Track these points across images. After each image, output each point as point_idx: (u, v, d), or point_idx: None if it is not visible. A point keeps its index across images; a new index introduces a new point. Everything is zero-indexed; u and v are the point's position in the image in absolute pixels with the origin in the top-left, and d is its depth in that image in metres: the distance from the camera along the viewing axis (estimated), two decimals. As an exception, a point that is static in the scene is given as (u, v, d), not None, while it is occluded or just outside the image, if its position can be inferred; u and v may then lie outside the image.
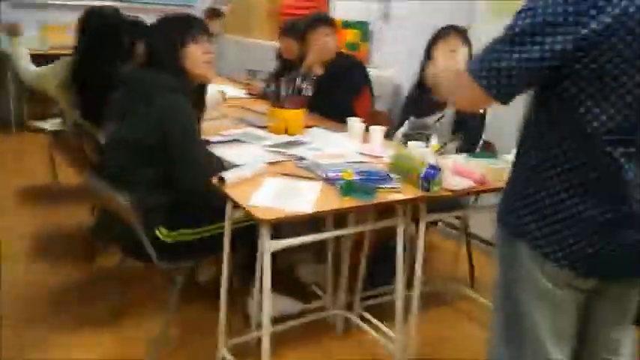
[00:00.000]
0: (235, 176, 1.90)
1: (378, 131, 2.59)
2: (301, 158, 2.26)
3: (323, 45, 3.00)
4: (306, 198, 1.81)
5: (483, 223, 2.95)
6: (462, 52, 2.65)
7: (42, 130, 3.92)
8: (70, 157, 3.42)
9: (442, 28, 2.76)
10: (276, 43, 5.17)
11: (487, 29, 3.02)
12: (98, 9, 3.11)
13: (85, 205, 3.57)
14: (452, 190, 1.99)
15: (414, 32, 4.33)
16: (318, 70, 3.01)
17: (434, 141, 2.37)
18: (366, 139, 2.63)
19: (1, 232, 3.24)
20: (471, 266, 2.84)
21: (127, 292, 2.64)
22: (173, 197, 2.04)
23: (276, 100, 2.67)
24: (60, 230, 3.40)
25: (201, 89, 2.20)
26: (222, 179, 1.87)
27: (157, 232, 2.03)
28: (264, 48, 5.58)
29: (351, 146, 2.50)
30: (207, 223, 2.10)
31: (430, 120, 2.71)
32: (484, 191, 2.10)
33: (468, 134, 2.67)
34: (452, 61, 2.63)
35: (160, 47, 2.03)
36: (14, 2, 5.61)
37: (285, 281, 2.49)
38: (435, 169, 1.94)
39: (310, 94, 2.66)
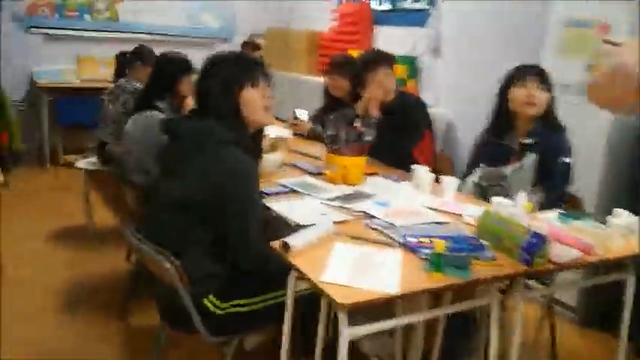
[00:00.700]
0: (301, 243, 1.62)
1: (451, 183, 2.30)
2: (370, 216, 1.97)
3: (384, 86, 2.74)
4: (387, 273, 1.51)
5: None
6: (542, 98, 2.36)
7: (78, 168, 3.71)
8: (108, 199, 3.22)
9: (517, 68, 2.47)
10: (316, 78, 4.97)
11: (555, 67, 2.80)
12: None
13: (121, 250, 3.35)
14: (556, 263, 1.67)
15: (463, 68, 4.10)
16: (375, 112, 2.74)
17: (521, 197, 2.05)
18: (434, 190, 2.34)
19: (31, 281, 3.02)
20: (553, 337, 2.48)
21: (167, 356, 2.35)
22: (227, 265, 1.77)
23: (334, 145, 2.40)
24: (93, 280, 3.15)
25: (256, 135, 1.94)
26: (286, 245, 1.59)
27: (207, 303, 1.75)
28: (303, 83, 5.39)
29: (421, 200, 2.20)
30: (263, 292, 1.81)
31: (507, 169, 2.40)
32: (592, 263, 1.78)
33: (552, 186, 2.35)
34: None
35: (214, 91, 1.78)
36: (50, 35, 5.51)
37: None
38: (540, 238, 1.63)
39: (370, 138, 2.39)
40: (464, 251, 1.64)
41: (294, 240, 1.60)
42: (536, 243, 1.62)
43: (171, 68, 2.97)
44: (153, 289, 1.95)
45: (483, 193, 2.47)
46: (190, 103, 3.03)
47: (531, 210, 1.97)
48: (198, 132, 1.74)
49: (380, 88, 2.72)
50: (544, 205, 2.37)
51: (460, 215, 2.05)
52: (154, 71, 3.02)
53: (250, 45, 5.98)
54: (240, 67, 1.81)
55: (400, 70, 4.34)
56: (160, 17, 5.75)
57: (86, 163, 3.78)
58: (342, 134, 2.37)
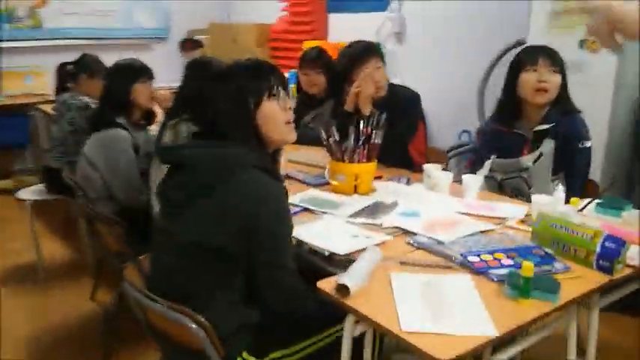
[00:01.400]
0: (359, 281, 1.35)
1: (473, 181, 2.10)
2: (407, 232, 1.73)
3: (377, 80, 2.49)
4: (471, 308, 1.27)
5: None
6: (555, 82, 2.18)
7: (22, 200, 3.24)
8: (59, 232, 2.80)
9: (525, 51, 2.28)
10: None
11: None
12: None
13: (81, 289, 2.94)
14: (633, 266, 1.50)
15: (430, 52, 3.93)
16: (367, 109, 2.49)
17: (560, 192, 1.87)
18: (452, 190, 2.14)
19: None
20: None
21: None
22: (259, 313, 1.48)
23: (339, 151, 2.13)
24: (60, 329, 2.74)
25: (275, 155, 1.64)
26: (343, 288, 1.32)
27: (240, 361, 1.46)
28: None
29: (449, 205, 1.98)
30: (304, 338, 1.54)
31: (526, 159, 2.22)
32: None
33: (576, 174, 2.20)
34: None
35: (225, 108, 1.47)
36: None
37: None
38: (617, 241, 1.45)
39: (379, 140, 2.15)
40: (537, 266, 1.44)
41: (349, 279, 1.33)
42: (615, 248, 1.44)
43: (127, 77, 2.60)
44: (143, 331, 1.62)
45: (498, 187, 2.30)
46: (159, 117, 2.67)
47: (582, 207, 1.79)
48: (213, 159, 1.42)
49: (371, 82, 2.47)
50: (567, 196, 2.22)
51: (500, 218, 1.85)
52: (108, 83, 2.64)
53: (190, 43, 5.57)
54: (253, 76, 1.50)
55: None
56: (89, 20, 5.21)
57: (30, 192, 3.32)
58: (350, 138, 2.11)
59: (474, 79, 3.54)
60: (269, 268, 1.41)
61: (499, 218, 1.85)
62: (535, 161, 2.20)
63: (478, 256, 1.51)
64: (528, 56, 2.23)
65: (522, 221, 1.82)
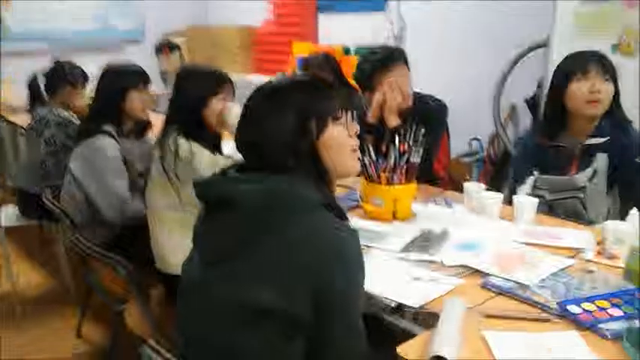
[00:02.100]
0: (455, 347, 1.10)
1: (530, 203, 1.87)
2: (477, 272, 1.48)
3: (404, 89, 2.23)
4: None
5: None
6: (608, 92, 1.97)
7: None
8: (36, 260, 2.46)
9: (574, 57, 2.06)
10: (254, 77, 4.38)
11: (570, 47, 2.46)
12: None
13: (65, 324, 2.61)
14: None
15: (433, 54, 3.71)
16: (394, 121, 2.24)
17: (634, 215, 1.65)
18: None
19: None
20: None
21: None
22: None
23: (374, 171, 1.87)
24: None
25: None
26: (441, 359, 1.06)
27: None
28: (241, 84, 4.71)
29: (509, 234, 1.75)
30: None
31: (581, 177, 2.01)
32: None
33: (633, 193, 1.99)
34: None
35: (281, 135, 1.18)
36: None
37: None
38: None
39: (418, 159, 1.90)
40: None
41: (449, 350, 1.07)
42: None
43: (120, 82, 2.30)
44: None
45: (547, 209, 2.07)
46: (155, 130, 2.36)
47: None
48: (270, 197, 1.13)
49: (398, 91, 2.21)
50: (619, 215, 2.02)
51: (573, 249, 1.62)
52: (98, 89, 2.33)
53: (167, 46, 5.21)
54: (315, 94, 1.21)
55: (360, 62, 3.85)
56: (58, 22, 4.80)
57: (2, 216, 2.95)
58: (390, 157, 1.85)
59: (483, 84, 3.34)
60: (342, 341, 1.13)
61: (571, 249, 1.62)
62: (590, 179, 1.99)
63: (579, 305, 1.27)
64: (578, 63, 2.01)
65: (599, 252, 1.59)
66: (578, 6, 2.57)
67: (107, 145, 2.23)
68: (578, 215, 1.99)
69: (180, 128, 1.98)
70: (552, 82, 2.10)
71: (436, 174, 2.48)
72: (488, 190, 2.00)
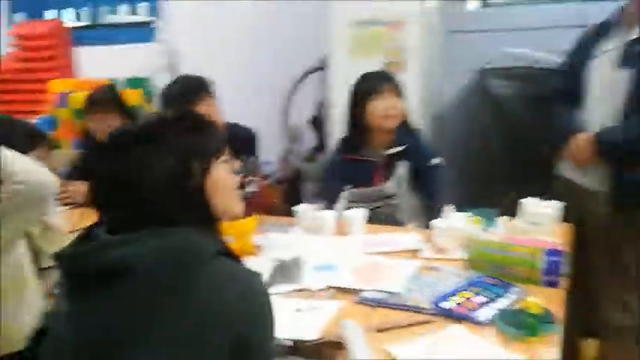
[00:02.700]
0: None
1: (360, 216, 2.00)
2: (347, 290, 1.53)
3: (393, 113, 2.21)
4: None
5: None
6: (401, 108, 2.24)
7: None
8: None
9: (368, 79, 2.27)
10: None
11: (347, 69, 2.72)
12: None
13: None
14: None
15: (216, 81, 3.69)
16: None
17: (461, 215, 1.89)
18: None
19: None
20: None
21: None
22: None
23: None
24: None
25: None
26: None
27: None
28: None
29: (350, 247, 1.85)
30: None
31: (390, 185, 2.22)
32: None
33: (435, 191, 2.28)
34: None
35: (165, 181, 1.04)
36: None
37: None
38: (557, 253, 1.52)
39: (255, 188, 1.87)
40: (501, 296, 1.41)
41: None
42: (558, 260, 1.51)
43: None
44: None
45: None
46: None
47: (484, 224, 1.85)
48: (165, 257, 0.99)
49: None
50: (427, 213, 2.30)
51: (411, 251, 1.79)
52: None
53: None
54: (195, 133, 1.09)
55: (133, 95, 3.64)
56: None
57: None
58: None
59: (266, 106, 3.44)
60: None
61: (410, 250, 1.79)
62: (398, 186, 2.22)
63: (448, 300, 1.41)
64: (373, 84, 2.23)
65: (435, 250, 1.78)
66: (350, 30, 2.85)
67: None
68: (394, 220, 2.20)
69: None
70: (351, 102, 2.28)
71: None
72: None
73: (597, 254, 2.13)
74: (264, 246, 1.90)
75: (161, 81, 3.79)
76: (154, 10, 3.71)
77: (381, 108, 2.19)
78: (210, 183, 1.09)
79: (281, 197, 3.27)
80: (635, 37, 1.96)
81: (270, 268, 1.69)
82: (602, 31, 2.09)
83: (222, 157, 1.13)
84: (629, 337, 2.17)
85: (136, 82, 3.72)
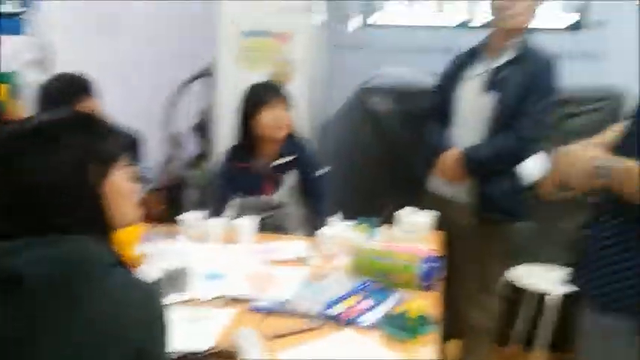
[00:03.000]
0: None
1: (250, 224, 2.02)
2: (239, 299, 1.54)
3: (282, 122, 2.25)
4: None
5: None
6: (290, 118, 2.30)
7: None
8: None
9: (257, 90, 2.30)
10: None
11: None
12: None
13: None
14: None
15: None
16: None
17: (348, 224, 1.97)
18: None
19: None
20: None
21: None
22: None
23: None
24: None
25: None
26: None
27: None
28: None
29: (239, 255, 1.86)
30: None
31: (278, 195, 2.26)
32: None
33: (322, 200, 2.36)
34: None
35: (59, 185, 0.98)
36: None
37: None
38: (434, 260, 1.65)
39: (142, 194, 1.80)
40: (383, 300, 1.52)
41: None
42: (434, 266, 1.64)
43: None
44: None
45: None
46: None
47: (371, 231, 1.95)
48: (59, 266, 0.93)
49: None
50: (314, 222, 2.37)
51: (299, 259, 1.84)
52: None
53: None
54: (92, 135, 1.04)
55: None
56: None
57: None
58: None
59: (147, 111, 3.33)
60: None
61: (299, 259, 1.85)
62: (287, 195, 2.27)
63: (335, 306, 1.48)
64: (263, 95, 2.26)
65: (323, 257, 1.85)
66: (239, 39, 2.85)
67: None
68: (282, 229, 2.25)
69: None
70: (241, 112, 2.30)
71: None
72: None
73: (461, 261, 2.33)
74: (150, 255, 1.85)
75: (31, 77, 3.53)
76: (24, 1, 3.43)
77: (270, 119, 2.23)
78: (108, 189, 1.05)
79: (163, 205, 3.18)
80: (498, 64, 2.19)
81: (156, 277, 1.66)
82: (470, 57, 2.31)
83: (121, 162, 1.10)
84: (487, 337, 2.41)
85: (1, 77, 3.42)
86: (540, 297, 2.51)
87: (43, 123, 1.04)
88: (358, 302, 1.50)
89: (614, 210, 1.22)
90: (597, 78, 2.71)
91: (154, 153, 3.34)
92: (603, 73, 2.75)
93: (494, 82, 2.18)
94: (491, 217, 2.24)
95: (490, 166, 2.20)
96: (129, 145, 2.28)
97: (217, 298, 1.55)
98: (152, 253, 1.85)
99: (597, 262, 1.25)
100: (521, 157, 2.15)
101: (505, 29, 2.17)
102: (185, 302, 1.53)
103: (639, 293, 1.18)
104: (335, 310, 1.46)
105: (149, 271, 1.69)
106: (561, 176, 1.28)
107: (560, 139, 2.26)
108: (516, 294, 2.60)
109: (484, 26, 2.31)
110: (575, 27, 2.94)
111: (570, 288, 2.42)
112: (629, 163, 1.16)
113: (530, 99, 2.13)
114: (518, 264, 2.64)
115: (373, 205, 2.26)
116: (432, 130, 2.36)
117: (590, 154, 1.24)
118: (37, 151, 0.99)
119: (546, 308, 2.46)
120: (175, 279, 1.65)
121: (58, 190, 0.98)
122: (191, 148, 3.56)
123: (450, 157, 2.24)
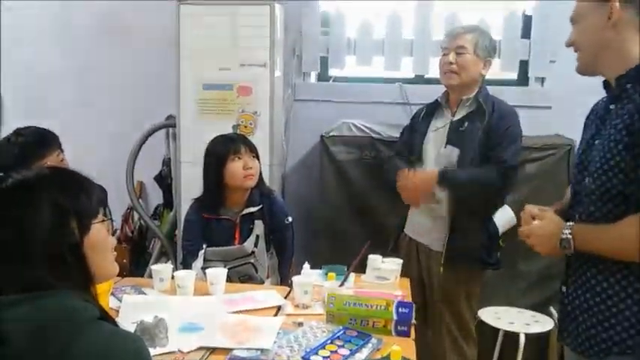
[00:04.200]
0: None
1: (221, 275, 2.02)
2: (217, 349, 1.54)
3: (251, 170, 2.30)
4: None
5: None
6: (257, 168, 2.33)
7: None
8: None
9: (224, 142, 2.33)
10: None
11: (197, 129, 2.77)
12: None
13: None
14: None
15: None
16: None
17: (317, 271, 2.01)
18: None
19: None
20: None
21: None
22: None
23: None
24: None
25: None
26: None
27: None
28: None
29: (212, 307, 1.85)
30: None
31: (249, 244, 2.28)
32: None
33: (290, 248, 2.40)
34: None
35: (38, 241, 0.98)
36: None
37: None
38: (407, 305, 1.70)
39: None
40: (363, 347, 1.55)
41: None
42: (408, 311, 1.69)
43: None
44: None
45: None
46: None
47: (341, 280, 1.99)
48: (40, 322, 0.93)
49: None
50: (284, 270, 2.40)
51: (275, 307, 1.86)
52: None
53: None
54: (73, 190, 1.05)
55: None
56: None
57: None
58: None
59: (108, 160, 3.30)
60: None
61: (273, 307, 1.86)
62: (255, 244, 2.29)
63: (316, 354, 1.50)
64: (230, 146, 2.29)
65: (297, 306, 1.87)
66: (200, 92, 2.91)
67: None
68: (251, 277, 2.26)
69: None
70: (209, 163, 2.32)
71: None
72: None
73: (436, 306, 2.39)
74: (122, 308, 1.82)
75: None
76: None
77: (240, 168, 2.26)
78: (88, 244, 1.06)
79: (126, 257, 3.12)
80: (457, 118, 2.32)
81: (131, 329, 1.63)
82: (433, 109, 2.42)
83: (100, 217, 1.11)
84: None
85: None
86: (514, 336, 2.60)
87: (26, 178, 1.05)
88: (336, 350, 1.52)
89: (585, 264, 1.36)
90: (546, 128, 2.90)
91: (115, 204, 3.30)
92: (551, 123, 2.94)
93: (454, 137, 2.29)
94: (460, 265, 2.29)
95: (464, 188, 2.23)
96: (103, 199, 2.26)
97: (197, 350, 1.54)
98: (125, 307, 1.83)
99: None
100: (496, 188, 2.22)
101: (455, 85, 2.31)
102: (166, 355, 1.51)
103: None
104: (315, 359, 1.47)
105: (123, 325, 1.66)
106: (530, 244, 1.44)
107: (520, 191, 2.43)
108: (490, 334, 2.67)
109: (438, 81, 2.44)
110: (521, 82, 3.16)
111: (541, 328, 2.57)
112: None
113: (501, 146, 2.21)
114: (490, 305, 2.74)
115: (342, 252, 2.31)
116: (395, 165, 2.39)
117: (556, 231, 1.37)
118: (18, 208, 1.00)
119: (520, 347, 2.55)
120: (151, 332, 1.63)
121: (40, 247, 0.99)
122: (153, 198, 3.54)
123: (425, 174, 2.27)
